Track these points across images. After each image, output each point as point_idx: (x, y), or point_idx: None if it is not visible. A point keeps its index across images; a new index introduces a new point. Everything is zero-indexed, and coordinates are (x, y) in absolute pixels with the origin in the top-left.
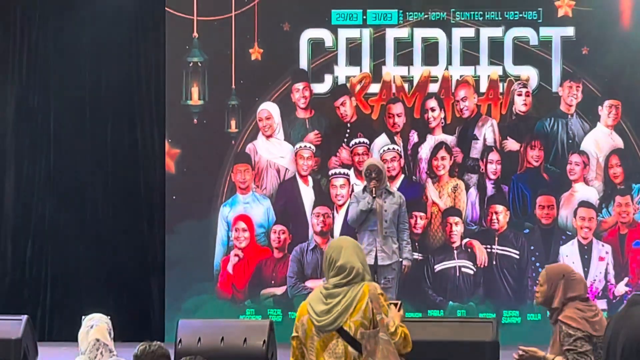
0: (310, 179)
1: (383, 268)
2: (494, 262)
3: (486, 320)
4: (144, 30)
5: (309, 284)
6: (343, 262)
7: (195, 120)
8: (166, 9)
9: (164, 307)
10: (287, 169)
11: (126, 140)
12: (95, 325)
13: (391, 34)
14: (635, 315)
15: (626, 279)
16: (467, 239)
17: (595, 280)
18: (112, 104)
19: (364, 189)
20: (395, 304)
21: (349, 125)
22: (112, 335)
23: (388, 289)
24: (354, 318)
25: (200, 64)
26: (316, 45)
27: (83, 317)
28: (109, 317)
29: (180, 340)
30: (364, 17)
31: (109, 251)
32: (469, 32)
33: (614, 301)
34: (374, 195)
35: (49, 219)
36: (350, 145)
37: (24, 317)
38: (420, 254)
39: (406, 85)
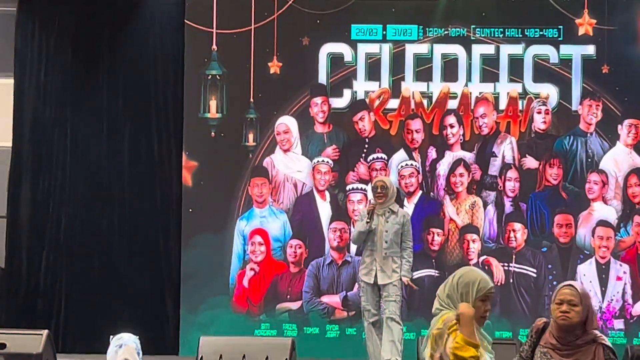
0: (327, 193)
1: (383, 287)
2: (511, 280)
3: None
4: (162, 42)
5: (325, 299)
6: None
7: (213, 133)
8: (185, 21)
9: (178, 321)
10: (304, 183)
11: (143, 153)
12: (125, 345)
13: (411, 50)
14: None
15: None
16: (484, 257)
17: (612, 299)
18: (130, 116)
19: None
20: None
21: (367, 140)
22: (141, 356)
23: (390, 302)
24: None
25: (218, 77)
26: (335, 60)
27: (111, 336)
28: (137, 336)
29: (201, 358)
30: (384, 32)
31: (124, 264)
32: (489, 49)
33: (632, 321)
34: (369, 216)
35: (64, 231)
36: (368, 160)
37: (45, 332)
38: (437, 271)
39: (425, 101)
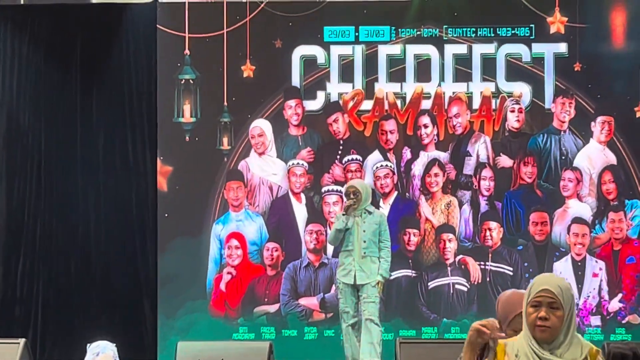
0: (303, 196)
1: (362, 287)
2: (488, 279)
3: None
4: (135, 47)
5: (303, 301)
6: None
7: (187, 137)
8: (157, 26)
9: (156, 326)
10: (279, 186)
11: (118, 158)
12: (102, 353)
13: (384, 51)
14: None
15: (620, 295)
16: (460, 256)
17: (589, 296)
18: (104, 122)
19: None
20: None
21: (341, 142)
22: None
23: (369, 303)
24: None
25: (192, 81)
26: (308, 62)
27: (88, 344)
28: (114, 344)
29: None
30: (356, 33)
31: (101, 270)
32: (462, 49)
33: (608, 318)
34: (344, 213)
35: (40, 237)
36: (343, 162)
37: (22, 341)
38: (413, 271)
39: (399, 102)
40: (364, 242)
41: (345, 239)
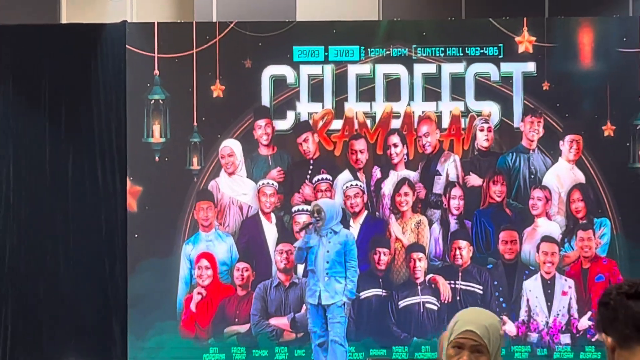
0: (273, 215)
1: (327, 308)
2: (458, 298)
3: None
4: (104, 67)
5: (273, 321)
6: None
7: (157, 157)
8: (127, 46)
9: (126, 347)
10: (250, 206)
11: (87, 179)
12: None
13: (353, 70)
14: None
15: (589, 313)
16: (430, 275)
17: (558, 314)
18: (73, 142)
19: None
20: None
21: (311, 161)
22: None
23: (334, 324)
24: None
25: (161, 102)
26: (278, 82)
27: None
28: None
29: None
30: (326, 53)
31: (70, 291)
32: (431, 68)
33: (578, 335)
34: (301, 229)
35: (9, 259)
36: (313, 181)
37: None
38: (384, 290)
39: (368, 121)
40: (327, 262)
41: (309, 258)
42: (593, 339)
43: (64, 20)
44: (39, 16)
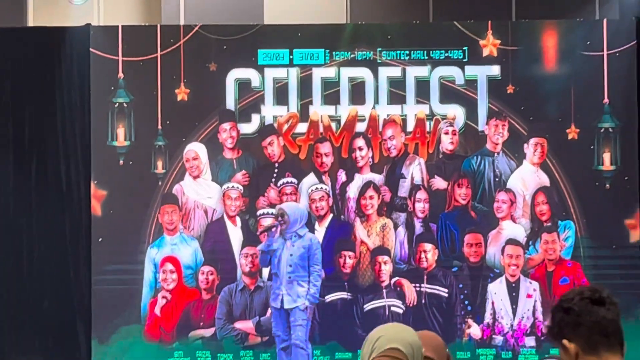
0: (238, 219)
1: (290, 311)
2: (423, 301)
3: None
4: (68, 70)
5: (238, 325)
6: None
7: (121, 161)
8: (91, 49)
9: (90, 351)
10: (214, 209)
11: (51, 182)
12: None
13: (318, 74)
14: None
15: None
16: (396, 278)
17: (523, 317)
18: (37, 146)
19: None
20: None
21: (276, 165)
22: None
23: (296, 327)
24: None
25: (126, 105)
26: (243, 85)
27: None
28: None
29: None
30: (291, 56)
31: (34, 295)
32: (396, 72)
33: (542, 338)
34: (262, 232)
35: None
36: (279, 185)
37: None
38: (349, 294)
39: (334, 125)
40: (290, 266)
41: (273, 262)
42: None
43: (30, 23)
44: (4, 19)
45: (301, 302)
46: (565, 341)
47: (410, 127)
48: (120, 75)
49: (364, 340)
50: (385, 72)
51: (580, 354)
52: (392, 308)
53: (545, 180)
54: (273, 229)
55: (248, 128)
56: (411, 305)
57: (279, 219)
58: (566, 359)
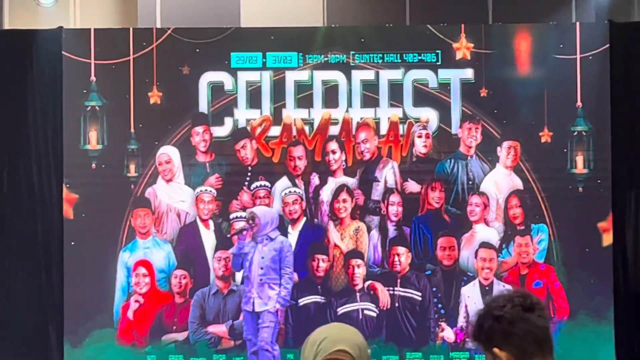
0: (211, 223)
1: (261, 313)
2: (397, 304)
3: None
4: (40, 74)
5: (211, 329)
6: None
7: (93, 164)
8: (63, 52)
9: (62, 355)
10: (187, 213)
11: (23, 186)
12: None
13: (291, 77)
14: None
15: None
16: (369, 281)
17: None
18: (8, 149)
19: None
20: None
21: (250, 168)
22: None
23: (264, 328)
24: None
25: (98, 108)
26: (216, 89)
27: None
28: None
29: None
30: (264, 60)
31: (5, 299)
32: (369, 75)
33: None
34: (232, 235)
35: None
36: (252, 188)
37: None
38: (322, 297)
39: (307, 128)
40: (261, 268)
41: (244, 265)
42: None
43: (6, 26)
44: None
45: (272, 305)
46: (496, 350)
47: (384, 130)
48: (93, 78)
49: (305, 342)
50: (358, 76)
51: None
52: (366, 311)
53: (518, 184)
54: (244, 232)
55: (221, 131)
56: (385, 308)
57: (250, 222)
58: None
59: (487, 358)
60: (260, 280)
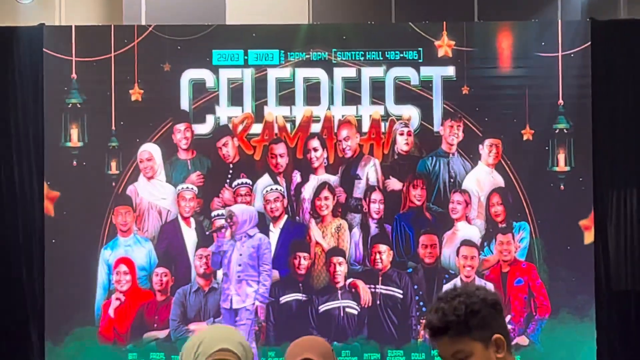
0: (192, 220)
1: (238, 310)
2: (378, 302)
3: None
4: (21, 70)
5: (192, 326)
6: None
7: (74, 162)
8: (44, 49)
9: (44, 353)
10: (169, 210)
11: (3, 183)
12: None
13: (273, 74)
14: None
15: (509, 317)
16: (351, 279)
17: None
18: None
19: None
20: None
21: (231, 166)
22: None
23: (241, 326)
24: None
25: (79, 106)
26: (197, 86)
27: None
28: None
29: None
30: (246, 57)
31: None
32: (351, 72)
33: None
34: (210, 232)
35: None
36: (233, 186)
37: None
38: (304, 295)
39: (288, 125)
40: (239, 265)
41: (223, 263)
42: (512, 343)
43: None
44: None
45: (249, 302)
46: (499, 336)
47: (366, 127)
48: (74, 75)
49: (180, 354)
50: (340, 73)
51: (505, 352)
52: (347, 309)
53: (500, 181)
54: (222, 230)
55: (202, 129)
56: (366, 306)
57: (228, 220)
58: (484, 356)
59: (475, 347)
60: (239, 277)
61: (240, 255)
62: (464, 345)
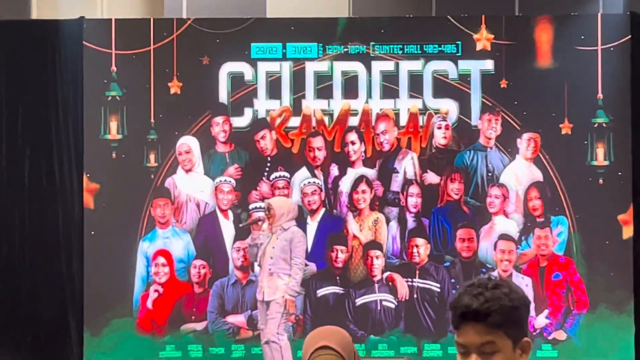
0: (230, 213)
1: (269, 303)
2: (415, 296)
3: None
4: (61, 63)
5: (230, 319)
6: None
7: (114, 154)
8: (84, 42)
9: (82, 345)
10: (207, 203)
11: (44, 176)
12: None
13: (311, 68)
14: None
15: (546, 312)
16: (388, 273)
17: None
18: (30, 139)
19: None
20: None
21: (269, 159)
22: None
23: (270, 320)
24: None
25: (118, 98)
26: (236, 79)
27: None
28: None
29: None
30: (284, 50)
31: (27, 289)
32: (389, 66)
33: (534, 334)
34: (244, 225)
35: None
36: (271, 179)
37: None
38: (341, 288)
39: (326, 119)
40: (271, 258)
41: (258, 255)
42: (549, 337)
43: (34, 16)
44: (9, 11)
45: (279, 295)
46: (529, 340)
47: (403, 121)
48: (113, 68)
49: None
50: (378, 66)
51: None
52: (384, 303)
53: (538, 176)
54: (259, 222)
55: (241, 122)
56: (403, 300)
57: (265, 212)
58: (511, 356)
59: (509, 352)
60: (270, 270)
61: (273, 248)
62: (497, 338)
